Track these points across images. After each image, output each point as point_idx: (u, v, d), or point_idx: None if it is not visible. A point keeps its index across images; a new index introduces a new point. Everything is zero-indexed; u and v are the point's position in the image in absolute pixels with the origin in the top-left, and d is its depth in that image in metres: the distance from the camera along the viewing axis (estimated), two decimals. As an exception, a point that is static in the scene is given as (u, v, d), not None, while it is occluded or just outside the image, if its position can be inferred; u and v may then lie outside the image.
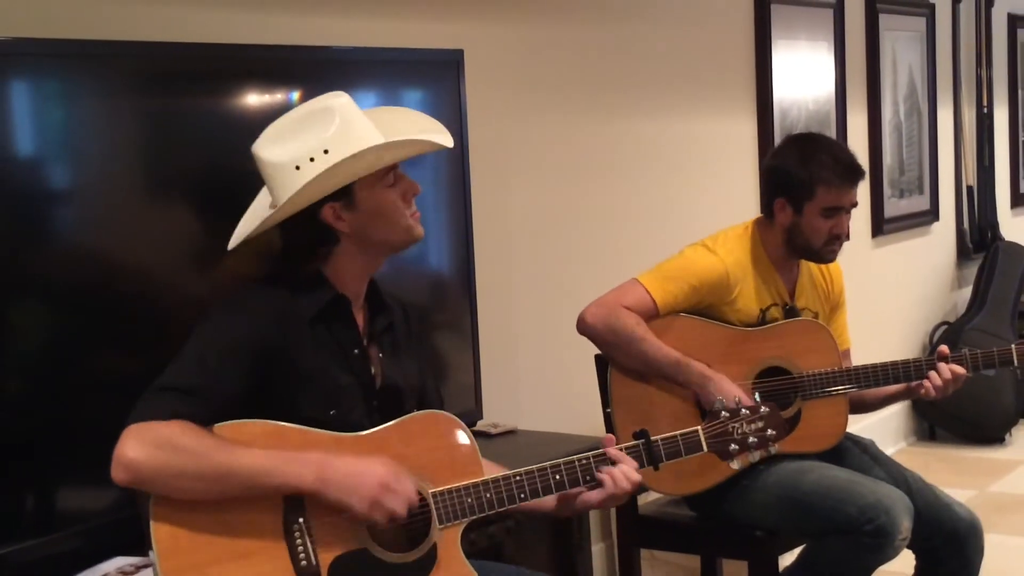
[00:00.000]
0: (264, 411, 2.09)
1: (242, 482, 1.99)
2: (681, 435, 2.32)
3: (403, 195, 2.21)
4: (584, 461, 2.24)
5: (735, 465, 2.37)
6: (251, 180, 2.48)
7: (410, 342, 2.38)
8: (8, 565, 2.25)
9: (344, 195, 2.16)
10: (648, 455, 2.29)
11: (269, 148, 2.18)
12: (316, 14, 3.03)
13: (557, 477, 2.21)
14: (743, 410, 2.35)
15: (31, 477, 2.34)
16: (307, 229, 2.19)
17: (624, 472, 2.23)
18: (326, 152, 2.13)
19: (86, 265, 2.44)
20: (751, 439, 2.34)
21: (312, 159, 2.13)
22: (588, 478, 2.24)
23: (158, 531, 1.99)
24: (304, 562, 2.04)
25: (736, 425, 2.33)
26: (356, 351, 2.23)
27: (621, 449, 2.27)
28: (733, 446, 2.34)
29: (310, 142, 2.15)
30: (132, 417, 1.99)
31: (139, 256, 2.52)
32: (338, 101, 2.20)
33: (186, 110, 2.61)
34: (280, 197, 2.17)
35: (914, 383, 3.03)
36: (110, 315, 2.46)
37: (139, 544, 2.07)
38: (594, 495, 2.24)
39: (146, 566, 2.18)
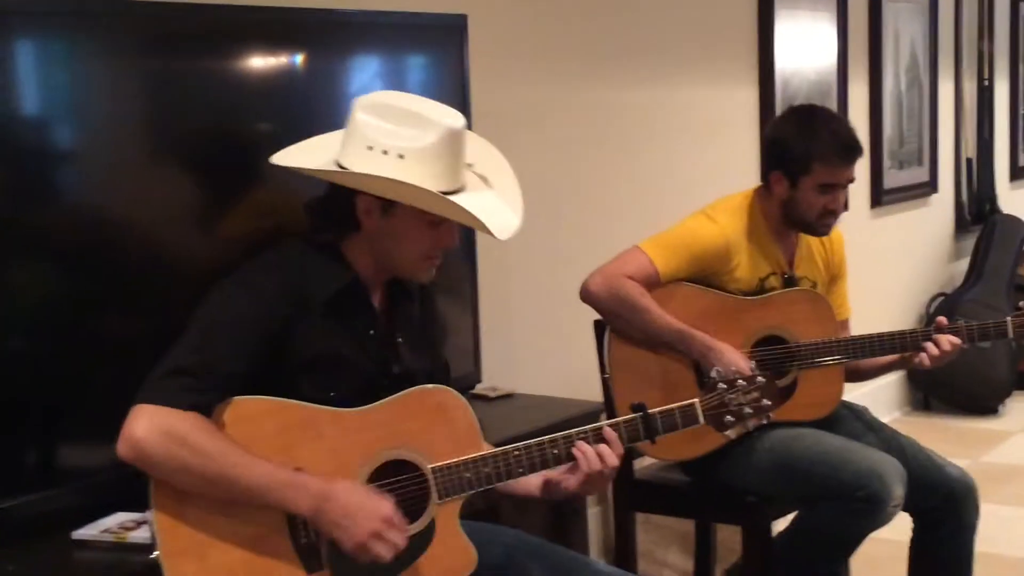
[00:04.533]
0: (266, 388, 2.10)
1: (241, 493, 2.01)
2: (679, 408, 2.32)
3: (436, 240, 2.20)
4: (582, 435, 2.23)
5: (730, 435, 2.38)
6: (256, 141, 2.49)
7: (427, 326, 2.38)
8: (11, 518, 2.27)
9: (386, 199, 2.15)
10: (645, 428, 2.29)
11: (366, 113, 2.15)
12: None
13: (555, 451, 2.21)
14: (739, 381, 2.35)
15: (34, 432, 2.36)
16: (339, 202, 2.18)
17: (600, 451, 2.21)
18: (401, 157, 2.11)
19: (91, 224, 2.45)
20: (746, 409, 2.34)
21: (386, 152, 2.11)
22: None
23: (160, 512, 2.02)
24: (304, 539, 2.07)
25: (732, 396, 2.34)
26: (372, 332, 2.23)
27: (618, 423, 2.27)
28: (729, 417, 2.34)
29: (397, 138, 2.11)
30: (146, 397, 2.00)
31: (143, 217, 2.52)
32: (450, 122, 2.15)
33: (188, 71, 2.61)
34: (341, 156, 2.16)
35: (910, 353, 3.05)
36: (114, 275, 2.46)
37: (141, 500, 2.09)
38: (572, 480, 2.23)
39: (146, 522, 2.20)
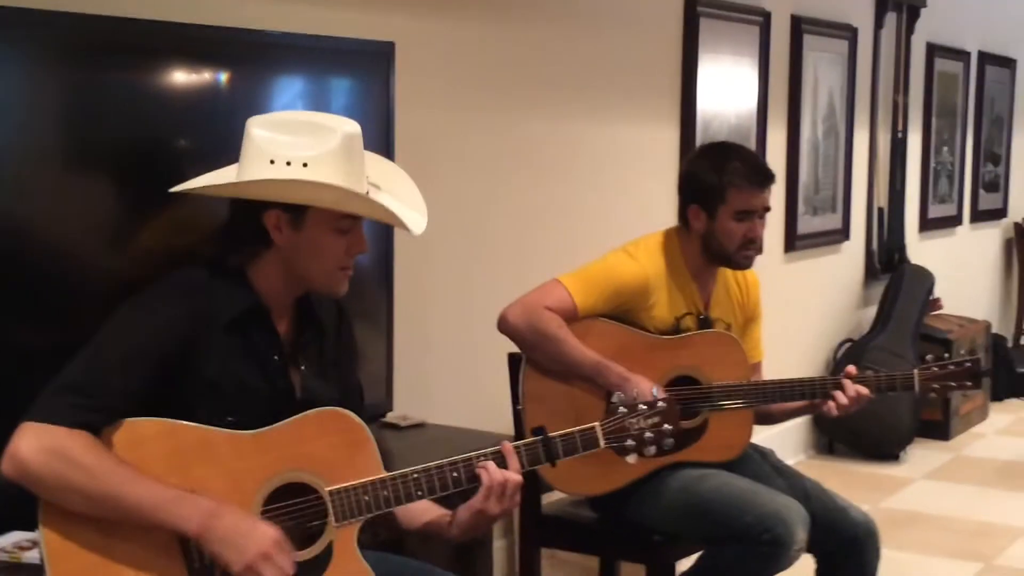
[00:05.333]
0: (161, 411, 2.06)
1: (127, 512, 1.98)
2: (579, 431, 2.33)
3: (347, 247, 2.18)
4: (481, 458, 2.23)
5: (631, 460, 2.37)
6: (173, 157, 2.46)
7: (339, 349, 2.35)
8: (-99, 536, 2.21)
9: (295, 211, 2.13)
10: (546, 451, 2.29)
11: (262, 129, 2.14)
12: (248, -5, 3.01)
13: (455, 474, 2.20)
14: (640, 405, 2.36)
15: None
16: (246, 221, 2.16)
17: (505, 471, 2.21)
18: (305, 165, 2.10)
19: (-1, 233, 2.39)
20: (647, 434, 2.34)
21: (289, 163, 2.10)
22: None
23: (48, 535, 1.98)
24: (198, 564, 2.04)
25: (633, 421, 2.34)
26: (276, 357, 2.20)
27: (519, 446, 2.27)
28: (630, 441, 2.34)
29: (298, 148, 2.11)
30: (33, 414, 1.97)
31: (53, 229, 2.48)
32: (349, 128, 2.15)
33: (111, 84, 2.58)
34: (242, 176, 2.14)
35: (818, 400, 3.10)
36: (18, 287, 2.41)
37: (36, 520, 2.04)
38: (476, 499, 2.21)
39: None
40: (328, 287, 2.22)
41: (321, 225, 2.15)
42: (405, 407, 3.36)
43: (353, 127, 2.17)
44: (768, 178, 3.12)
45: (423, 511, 2.32)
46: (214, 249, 2.21)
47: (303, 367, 2.25)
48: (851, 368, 3.14)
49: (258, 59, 2.87)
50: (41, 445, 1.94)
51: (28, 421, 1.96)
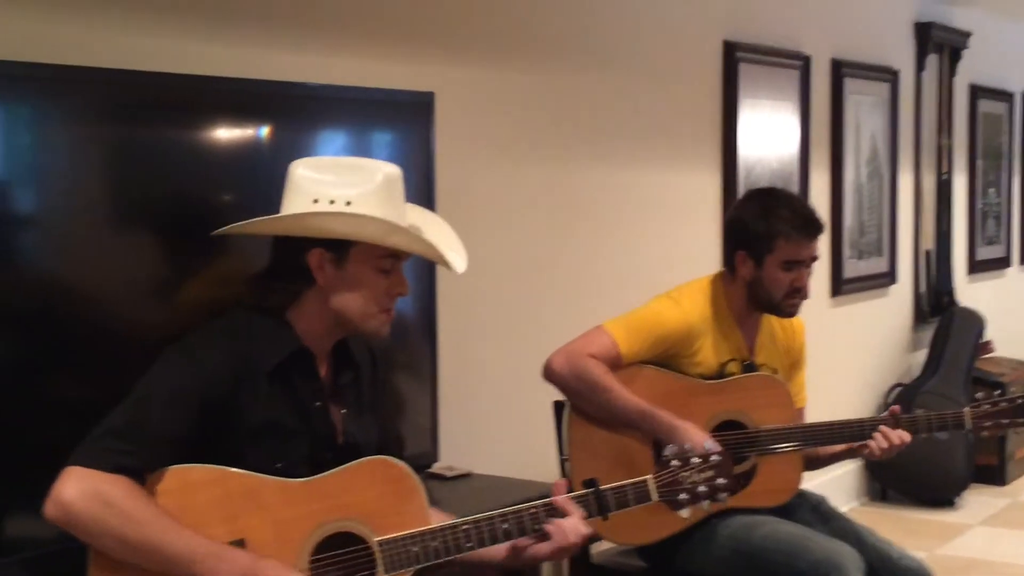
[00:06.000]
0: (210, 458, 2.06)
1: (166, 562, 1.97)
2: (631, 484, 2.31)
3: (388, 288, 2.19)
4: (532, 511, 2.22)
5: (684, 514, 2.35)
6: (217, 212, 2.48)
7: (375, 392, 2.36)
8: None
9: (339, 250, 2.14)
10: (597, 504, 2.28)
11: (305, 169, 2.17)
12: (289, 50, 3.04)
13: (505, 526, 2.19)
14: (693, 459, 2.34)
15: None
16: (289, 260, 2.17)
17: (572, 525, 2.22)
18: (348, 204, 2.12)
19: (42, 291, 2.41)
20: (700, 488, 2.32)
21: (332, 201, 2.12)
22: (536, 528, 2.22)
23: None
24: None
25: (686, 474, 2.32)
26: (318, 404, 2.20)
27: (570, 499, 2.26)
28: (683, 495, 2.32)
29: (340, 187, 2.13)
30: (76, 459, 1.98)
31: (98, 285, 2.50)
32: (389, 170, 2.19)
33: (154, 140, 2.60)
34: (285, 211, 2.16)
35: (857, 444, 3.06)
36: (66, 343, 2.43)
37: (84, 573, 2.04)
38: (543, 547, 2.22)
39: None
40: (370, 328, 2.21)
41: (364, 263, 2.16)
42: (451, 457, 3.34)
43: (394, 169, 2.20)
44: (817, 228, 3.09)
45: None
46: (255, 292, 2.22)
47: (343, 411, 2.25)
48: (895, 408, 3.10)
49: (299, 112, 2.89)
50: (83, 490, 1.94)
51: (71, 466, 1.97)
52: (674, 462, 2.33)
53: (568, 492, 2.29)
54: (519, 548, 2.24)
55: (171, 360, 2.11)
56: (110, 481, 1.95)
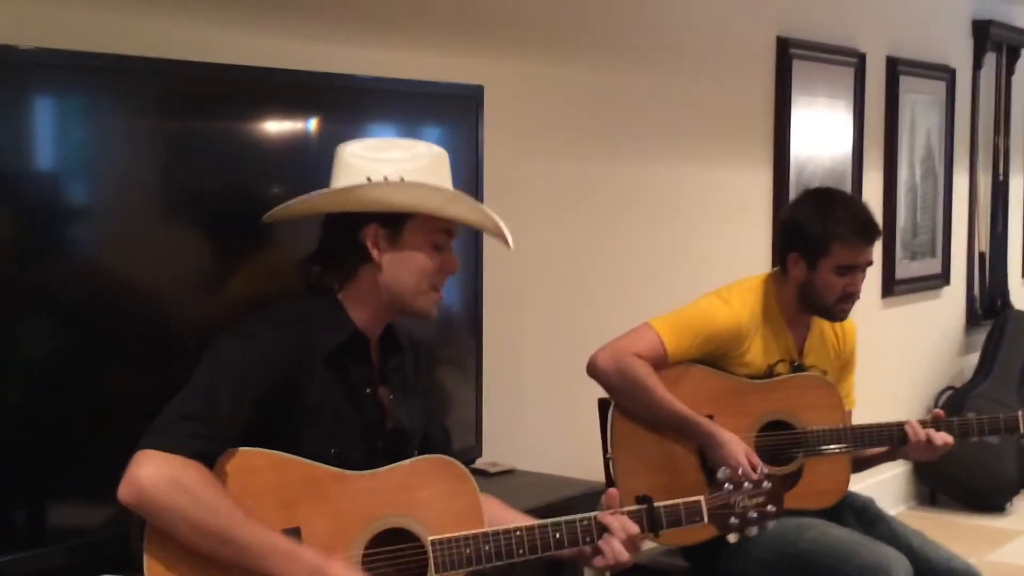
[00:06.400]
0: (267, 442, 2.07)
1: (236, 553, 1.97)
2: (684, 503, 2.33)
3: (441, 265, 2.20)
4: (585, 522, 2.23)
5: (731, 539, 2.38)
6: (266, 203, 2.48)
7: (419, 382, 2.36)
8: (-1, 576, 2.24)
9: (393, 225, 2.15)
10: (650, 521, 2.29)
11: (355, 148, 2.20)
12: (338, 42, 3.04)
13: (557, 536, 2.20)
14: (746, 484, 2.37)
15: (25, 489, 2.31)
16: (343, 239, 2.18)
17: (624, 546, 2.23)
18: (402, 179, 2.14)
19: (94, 280, 2.42)
20: (751, 513, 2.36)
21: (386, 178, 2.14)
22: (588, 539, 2.23)
23: (151, 563, 1.97)
24: None
25: (738, 498, 2.36)
26: (368, 391, 2.21)
27: (623, 513, 2.27)
28: (733, 519, 2.36)
29: (392, 164, 2.15)
30: (151, 442, 1.96)
31: (149, 274, 2.51)
32: (438, 150, 2.22)
33: (203, 130, 2.61)
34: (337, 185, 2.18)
35: (897, 446, 3.04)
36: (115, 332, 2.44)
37: (128, 563, 2.05)
38: (596, 561, 2.25)
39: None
40: (420, 307, 2.21)
41: (419, 238, 2.17)
42: (494, 453, 3.33)
43: (440, 149, 2.23)
44: (875, 233, 3.04)
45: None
46: (308, 274, 2.22)
47: (391, 395, 2.26)
48: (938, 411, 3.09)
49: (347, 104, 2.89)
50: (161, 474, 1.93)
51: (146, 448, 1.96)
52: (727, 485, 2.36)
53: (619, 503, 2.31)
54: (583, 554, 2.27)
55: (235, 342, 2.11)
56: (186, 467, 1.95)
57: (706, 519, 2.34)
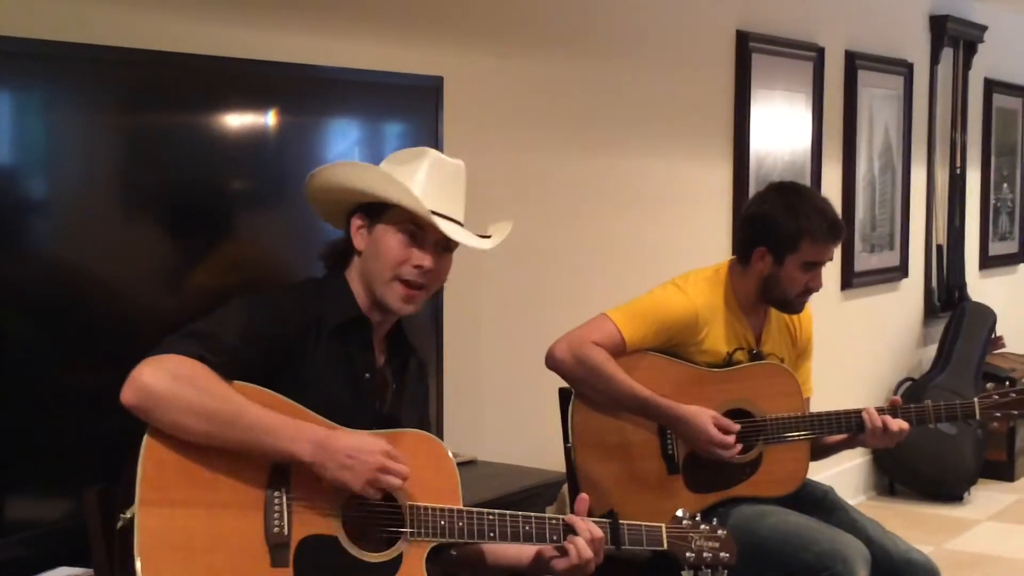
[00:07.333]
0: None
1: (244, 432, 2.01)
2: (646, 526, 2.44)
3: (409, 258, 2.23)
4: (554, 522, 2.31)
5: (685, 575, 2.48)
6: (224, 191, 2.47)
7: (418, 389, 2.43)
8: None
9: (372, 216, 2.24)
10: (613, 535, 2.38)
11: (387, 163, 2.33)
12: (298, 32, 3.03)
13: (527, 528, 2.28)
14: (702, 525, 2.51)
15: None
16: (344, 226, 2.30)
17: (589, 546, 2.29)
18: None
19: (54, 274, 2.41)
20: (706, 554, 2.48)
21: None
22: (555, 538, 2.30)
23: (147, 458, 1.98)
24: (276, 529, 2.06)
25: (696, 535, 2.48)
26: (367, 375, 2.27)
27: (588, 521, 2.33)
28: (689, 554, 2.48)
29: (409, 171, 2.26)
30: (156, 351, 2.01)
31: (109, 268, 2.50)
32: (445, 158, 2.33)
33: (161, 120, 2.60)
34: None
35: (856, 433, 3.06)
36: (75, 326, 2.43)
37: (84, 555, 2.04)
38: (561, 562, 2.31)
39: (89, 578, 2.15)
40: (389, 299, 2.25)
41: (386, 229, 2.24)
42: (456, 444, 3.31)
43: (453, 159, 2.36)
44: (842, 231, 3.08)
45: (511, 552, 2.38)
46: (325, 258, 2.33)
47: (393, 385, 2.33)
48: (895, 398, 3.12)
49: (307, 94, 2.88)
50: (163, 368, 1.98)
51: (150, 356, 2.00)
52: (686, 521, 2.49)
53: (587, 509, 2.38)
54: (543, 559, 2.33)
55: (247, 298, 2.19)
56: (188, 362, 2.00)
57: (665, 545, 2.46)
